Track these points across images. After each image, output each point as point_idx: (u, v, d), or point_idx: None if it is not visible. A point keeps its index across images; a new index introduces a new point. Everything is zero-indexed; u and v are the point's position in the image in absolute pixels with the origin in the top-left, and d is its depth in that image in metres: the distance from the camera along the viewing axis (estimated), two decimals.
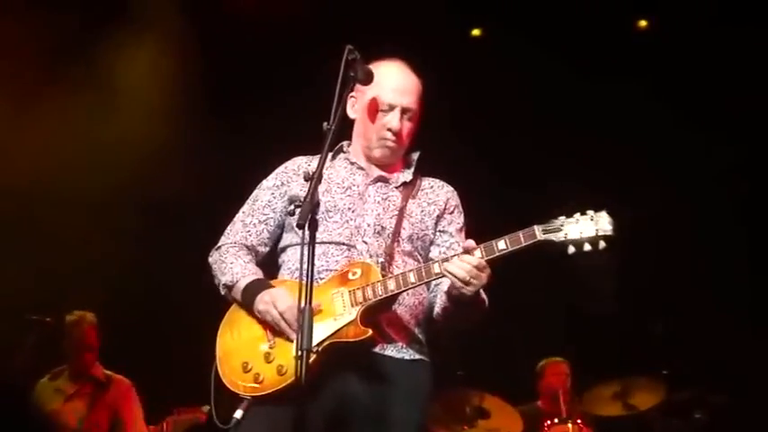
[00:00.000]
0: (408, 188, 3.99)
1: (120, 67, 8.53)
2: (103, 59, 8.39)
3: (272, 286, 3.79)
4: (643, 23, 8.97)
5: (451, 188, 4.11)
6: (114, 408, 7.03)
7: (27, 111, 8.02)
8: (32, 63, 8.05)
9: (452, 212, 4.03)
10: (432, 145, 4.14)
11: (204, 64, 8.52)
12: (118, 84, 8.51)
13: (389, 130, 3.91)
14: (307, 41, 8.16)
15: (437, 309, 3.85)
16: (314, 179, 3.38)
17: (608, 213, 3.59)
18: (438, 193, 4.04)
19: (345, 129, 3.98)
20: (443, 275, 3.60)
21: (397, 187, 3.98)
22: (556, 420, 7.60)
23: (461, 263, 3.53)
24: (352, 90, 3.82)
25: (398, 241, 3.83)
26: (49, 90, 8.13)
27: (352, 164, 4.01)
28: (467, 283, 3.53)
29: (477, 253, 3.56)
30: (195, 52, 8.53)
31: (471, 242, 3.61)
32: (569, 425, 7.49)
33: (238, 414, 3.61)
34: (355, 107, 4.00)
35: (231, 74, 8.57)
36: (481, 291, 3.70)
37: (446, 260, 3.59)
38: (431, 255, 3.92)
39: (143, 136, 8.36)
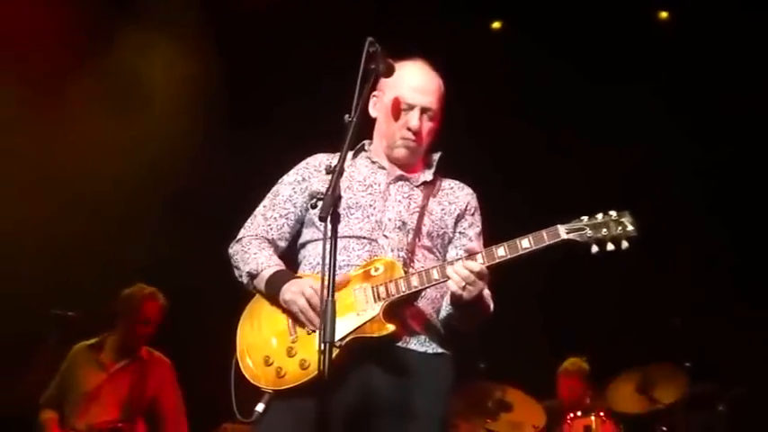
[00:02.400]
0: (429, 187, 4.00)
1: (139, 66, 8.57)
2: (121, 57, 8.43)
3: (297, 277, 3.80)
4: (663, 15, 8.93)
5: (471, 190, 4.11)
6: (155, 393, 6.75)
7: (47, 110, 8.06)
8: (50, 62, 8.09)
9: (473, 214, 4.03)
10: (451, 141, 4.14)
11: (223, 60, 8.55)
12: (137, 82, 8.55)
13: (409, 129, 3.91)
14: (326, 37, 8.17)
15: (442, 312, 3.86)
16: (335, 172, 3.38)
17: (630, 214, 3.61)
18: (458, 195, 4.05)
19: (367, 127, 3.99)
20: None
21: (417, 186, 3.99)
22: (579, 413, 7.61)
23: (461, 268, 3.56)
24: (374, 88, 3.82)
25: (419, 237, 3.84)
26: (69, 90, 8.18)
27: (374, 163, 4.01)
28: (463, 288, 3.55)
29: (479, 258, 3.59)
30: (214, 48, 8.56)
31: (474, 248, 3.66)
32: (592, 417, 7.50)
33: (260, 407, 3.62)
34: (377, 106, 4.01)
35: (251, 69, 8.60)
36: (487, 297, 3.76)
37: (469, 257, 3.59)
38: (448, 255, 3.92)
39: (162, 133, 8.40)
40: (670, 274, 8.64)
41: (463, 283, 3.53)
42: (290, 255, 4.05)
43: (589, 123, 8.55)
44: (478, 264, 3.56)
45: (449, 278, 3.61)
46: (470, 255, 3.61)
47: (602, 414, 7.53)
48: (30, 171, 7.94)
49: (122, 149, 8.30)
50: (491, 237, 3.72)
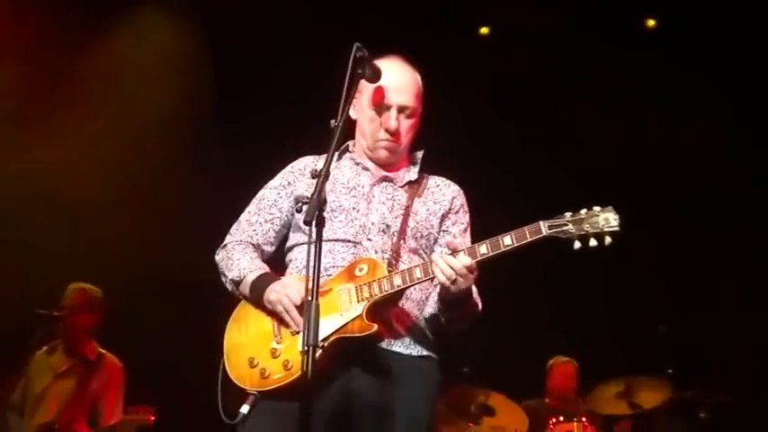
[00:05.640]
0: (414, 187, 3.99)
1: (131, 59, 8.62)
2: (109, 57, 8.47)
3: (280, 279, 3.81)
4: (651, 23, 8.98)
5: (458, 187, 4.09)
6: (97, 395, 6.77)
7: (39, 104, 8.09)
8: (39, 59, 8.12)
9: (458, 212, 4.01)
10: (439, 143, 4.15)
11: (213, 63, 8.59)
12: (128, 76, 8.59)
13: (387, 130, 3.91)
14: (315, 38, 8.19)
15: (429, 310, 3.85)
16: (321, 176, 3.38)
17: (614, 209, 3.58)
18: (444, 192, 4.03)
19: (350, 128, 3.98)
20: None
21: (401, 186, 3.98)
22: (561, 418, 7.63)
23: (450, 260, 3.55)
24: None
25: (404, 239, 3.83)
26: (57, 87, 8.21)
27: (357, 164, 4.01)
28: (453, 282, 3.54)
29: (461, 255, 3.56)
30: (204, 48, 8.59)
31: (457, 243, 3.63)
32: (574, 422, 7.53)
33: (245, 409, 3.62)
34: (355, 108, 3.98)
35: (239, 74, 8.63)
36: (475, 294, 3.75)
37: (452, 253, 3.59)
38: (433, 255, 3.86)
39: (149, 134, 8.44)
40: (657, 281, 8.67)
41: (454, 277, 3.52)
42: (277, 259, 4.05)
43: (579, 120, 8.60)
44: (468, 258, 3.54)
45: (432, 276, 3.61)
46: (453, 251, 3.60)
47: (584, 419, 7.55)
48: (19, 168, 7.95)
49: (112, 147, 8.33)
50: (494, 235, 3.64)
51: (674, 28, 8.74)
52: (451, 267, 3.53)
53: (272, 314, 3.75)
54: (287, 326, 3.70)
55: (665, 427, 7.73)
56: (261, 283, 3.80)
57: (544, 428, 7.68)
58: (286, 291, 3.68)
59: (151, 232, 8.22)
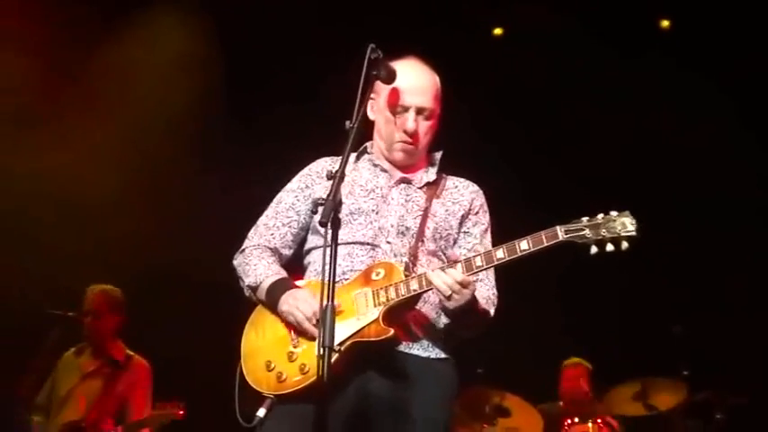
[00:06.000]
0: (432, 188, 3.96)
1: (141, 59, 8.64)
2: (119, 57, 8.49)
3: (295, 286, 3.80)
4: (665, 24, 8.93)
5: (477, 188, 4.06)
6: (125, 395, 6.81)
7: (50, 104, 8.11)
8: (51, 60, 8.15)
9: (477, 213, 3.98)
10: (453, 145, 4.12)
11: (223, 62, 8.59)
12: (135, 78, 8.61)
13: (405, 131, 3.88)
14: (325, 38, 8.19)
15: (442, 318, 3.82)
16: (336, 177, 3.38)
17: (631, 214, 3.54)
18: (463, 193, 4.00)
19: (368, 129, 3.96)
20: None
21: (420, 187, 3.96)
22: (576, 420, 7.61)
23: (444, 276, 3.53)
24: (371, 90, 3.77)
25: (423, 241, 3.81)
26: (67, 87, 8.23)
27: (376, 166, 4.00)
28: (448, 298, 3.53)
29: (478, 261, 3.55)
30: (215, 48, 8.60)
31: (457, 255, 3.62)
32: (589, 424, 7.50)
33: (261, 413, 3.62)
34: (374, 109, 3.97)
35: (249, 74, 8.62)
36: (483, 302, 3.74)
37: (450, 265, 3.57)
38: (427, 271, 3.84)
39: (159, 133, 8.45)
40: (671, 282, 8.63)
41: (449, 292, 3.51)
42: (296, 261, 4.05)
43: (590, 122, 8.56)
44: (460, 273, 3.52)
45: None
46: (452, 262, 3.59)
47: (599, 421, 7.53)
48: (30, 168, 7.96)
49: (122, 146, 8.34)
50: (508, 237, 3.61)
51: (684, 30, 8.70)
52: (444, 283, 3.51)
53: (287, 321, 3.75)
54: (302, 333, 3.68)
55: (681, 429, 7.70)
56: (275, 291, 3.79)
57: (559, 430, 7.64)
58: (297, 304, 3.67)
59: (160, 231, 8.20)
